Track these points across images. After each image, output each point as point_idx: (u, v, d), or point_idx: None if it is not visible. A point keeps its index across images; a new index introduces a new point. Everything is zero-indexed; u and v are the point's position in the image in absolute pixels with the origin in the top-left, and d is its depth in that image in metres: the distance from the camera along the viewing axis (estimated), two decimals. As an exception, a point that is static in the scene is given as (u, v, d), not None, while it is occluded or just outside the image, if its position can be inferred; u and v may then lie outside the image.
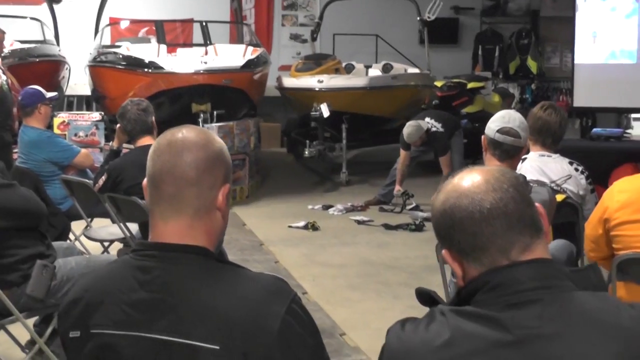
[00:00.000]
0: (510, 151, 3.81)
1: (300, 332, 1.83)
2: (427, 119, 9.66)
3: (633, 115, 14.84)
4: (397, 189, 9.63)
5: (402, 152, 9.71)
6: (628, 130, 10.74)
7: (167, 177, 1.92)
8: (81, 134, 10.06)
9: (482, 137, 3.88)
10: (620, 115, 14.66)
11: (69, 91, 12.53)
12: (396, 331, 1.75)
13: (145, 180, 1.99)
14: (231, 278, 1.86)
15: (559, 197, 4.42)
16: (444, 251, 1.76)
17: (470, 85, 12.49)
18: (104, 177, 5.09)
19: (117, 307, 1.88)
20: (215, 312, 1.80)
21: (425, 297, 1.88)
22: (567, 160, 4.80)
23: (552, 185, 4.59)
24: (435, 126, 9.61)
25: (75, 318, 1.95)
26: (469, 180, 1.74)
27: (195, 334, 1.79)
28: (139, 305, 1.86)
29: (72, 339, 1.94)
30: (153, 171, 1.94)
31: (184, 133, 1.96)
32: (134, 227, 5.40)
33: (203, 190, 1.92)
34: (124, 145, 5.48)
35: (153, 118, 5.10)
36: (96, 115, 10.26)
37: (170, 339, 1.81)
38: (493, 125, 3.85)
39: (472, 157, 12.33)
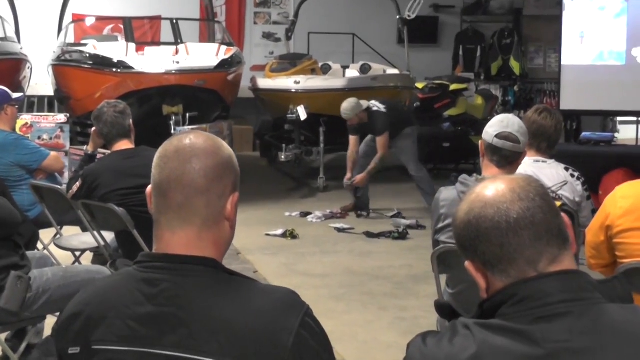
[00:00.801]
0: (509, 157, 3.83)
1: (314, 346, 1.84)
2: (372, 101, 9.67)
3: (619, 119, 15.03)
4: (347, 176, 9.58)
5: (351, 138, 9.67)
6: (615, 135, 10.87)
7: (175, 185, 1.91)
8: (45, 137, 10.03)
9: (480, 142, 3.90)
10: (606, 118, 14.84)
11: (30, 91, 12.44)
12: (418, 345, 1.76)
13: (149, 188, 1.98)
14: (243, 291, 1.87)
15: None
16: (467, 262, 1.77)
17: (453, 87, 12.57)
18: (78, 183, 5.06)
19: (121, 321, 1.88)
20: (228, 326, 1.80)
21: (445, 309, 1.89)
22: (562, 165, 4.85)
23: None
24: (377, 106, 9.55)
25: (74, 333, 1.93)
26: (493, 189, 1.76)
27: (207, 349, 1.80)
28: (146, 320, 1.86)
29: (71, 356, 1.93)
30: (160, 179, 1.94)
31: (192, 139, 1.96)
32: (107, 235, 5.38)
33: (212, 199, 1.93)
34: (99, 149, 5.45)
35: (131, 121, 5.08)
36: (61, 117, 10.22)
37: (180, 354, 1.81)
38: (491, 130, 3.86)
39: (456, 161, 12.46)
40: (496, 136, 3.86)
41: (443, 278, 4.07)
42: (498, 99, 15.13)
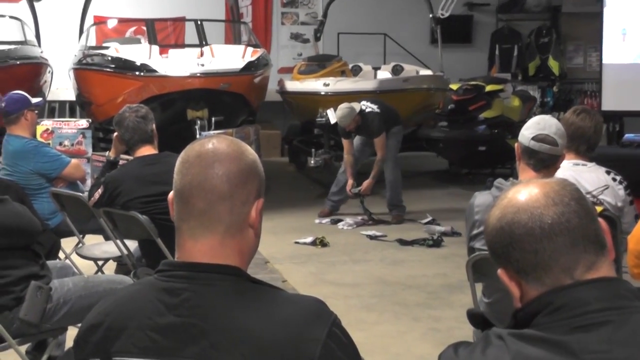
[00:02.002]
0: (546, 160, 3.82)
1: (342, 358, 1.84)
2: (363, 102, 9.74)
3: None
4: (350, 183, 9.65)
5: (344, 142, 9.76)
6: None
7: (197, 191, 1.92)
8: (66, 142, 10.11)
9: (516, 145, 3.89)
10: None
11: (50, 96, 12.54)
12: (449, 356, 1.76)
13: (171, 195, 1.99)
14: (268, 300, 1.88)
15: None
16: (499, 270, 1.77)
17: (489, 88, 12.53)
18: (100, 190, 5.09)
19: (142, 332, 1.89)
20: (252, 336, 1.81)
21: (478, 319, 1.89)
22: (603, 169, 4.82)
23: (588, 196, 4.61)
24: (369, 107, 9.63)
25: (94, 345, 1.95)
26: (526, 193, 1.76)
27: (230, 360, 1.81)
28: (167, 331, 1.87)
29: (91, 367, 1.96)
30: (182, 185, 1.95)
31: (215, 143, 1.97)
32: (130, 244, 5.42)
33: (236, 205, 1.93)
34: (122, 155, 5.49)
35: (153, 126, 5.10)
36: (83, 123, 10.30)
37: (202, 366, 1.83)
38: (527, 132, 3.85)
39: (492, 166, 12.41)
40: (533, 138, 3.84)
41: (479, 287, 4.07)
42: (536, 100, 15.07)
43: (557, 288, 1.69)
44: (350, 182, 9.64)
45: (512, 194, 1.77)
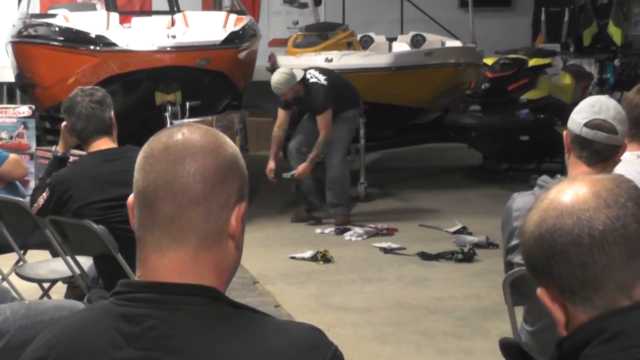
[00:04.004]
0: (602, 152, 3.82)
1: (345, 400, 1.86)
2: (310, 70, 9.94)
3: None
4: (270, 166, 9.82)
5: (279, 112, 10.07)
6: None
7: (164, 193, 1.93)
8: (4, 135, 10.09)
9: (564, 133, 3.90)
10: None
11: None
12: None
13: (130, 198, 2.00)
14: (252, 329, 1.88)
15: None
16: (540, 289, 1.78)
17: (532, 62, 12.52)
18: (45, 194, 5.09)
19: (95, 370, 1.90)
20: (233, 375, 1.82)
21: (513, 351, 1.90)
22: (675, 163, 4.82)
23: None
24: (316, 77, 9.82)
25: (37, 386, 1.97)
26: (572, 193, 1.76)
27: (205, 404, 1.82)
28: (127, 368, 1.88)
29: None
30: (144, 185, 1.95)
31: (186, 134, 1.97)
32: (84, 261, 5.43)
33: (212, 211, 1.94)
34: (72, 150, 5.50)
35: (112, 113, 5.10)
36: (24, 110, 10.27)
37: (171, 412, 1.84)
38: (579, 117, 3.86)
39: (538, 160, 12.41)
40: (585, 125, 3.85)
41: (519, 312, 4.07)
42: (592, 76, 15.05)
43: (612, 311, 1.70)
44: (271, 164, 9.85)
45: (555, 194, 1.78)
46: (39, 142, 10.19)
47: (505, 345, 1.93)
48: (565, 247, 1.72)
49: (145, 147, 2.00)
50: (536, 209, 1.79)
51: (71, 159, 5.48)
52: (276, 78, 9.60)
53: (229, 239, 1.97)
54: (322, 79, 9.82)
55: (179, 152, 1.94)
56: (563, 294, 1.75)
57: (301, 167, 9.77)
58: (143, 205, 1.96)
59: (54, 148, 5.57)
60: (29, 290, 6.48)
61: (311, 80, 9.79)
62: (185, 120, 9.80)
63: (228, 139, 2.03)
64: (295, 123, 10.25)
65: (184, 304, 1.89)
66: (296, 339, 1.88)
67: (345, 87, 10.13)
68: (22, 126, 10.12)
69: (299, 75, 9.69)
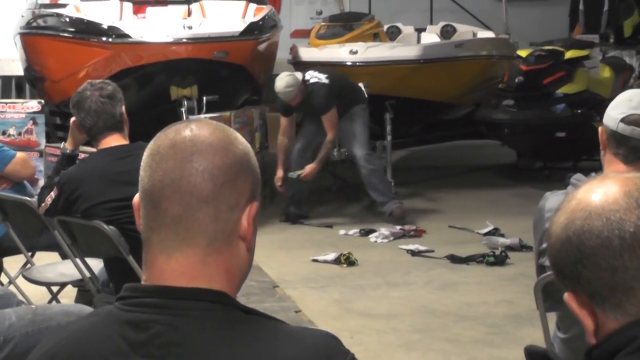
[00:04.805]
0: (641, 150, 3.81)
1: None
2: (308, 72, 10.07)
3: None
4: (279, 174, 9.95)
5: (282, 120, 10.17)
6: None
7: (171, 192, 1.92)
8: (12, 131, 10.13)
9: (600, 129, 3.88)
10: None
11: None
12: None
13: (136, 197, 2.00)
14: (264, 336, 1.88)
15: None
16: (567, 295, 1.77)
17: (569, 54, 12.48)
18: (53, 193, 5.11)
19: (99, 379, 1.90)
20: (243, 383, 1.82)
21: (539, 359, 1.89)
22: None
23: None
24: (316, 77, 9.92)
25: (37, 396, 1.98)
26: (602, 192, 1.75)
27: (213, 415, 1.82)
28: (132, 377, 1.88)
29: None
30: (151, 184, 1.95)
31: (194, 130, 1.97)
32: (95, 264, 5.44)
33: (222, 211, 1.93)
34: (82, 147, 5.51)
35: (123, 108, 5.11)
36: (33, 105, 10.31)
37: (178, 422, 1.84)
38: (615, 112, 3.83)
39: (575, 157, 12.37)
40: (622, 120, 3.83)
41: (552, 318, 4.06)
42: (633, 69, 14.97)
43: (644, 318, 1.69)
44: (279, 173, 9.95)
45: (583, 194, 1.77)
46: (49, 139, 10.22)
47: (531, 354, 1.92)
48: (594, 251, 1.71)
49: (151, 144, 2.00)
50: (563, 210, 1.78)
51: (80, 156, 5.49)
52: (285, 81, 9.65)
53: (240, 240, 1.97)
54: (322, 77, 9.90)
55: (187, 149, 1.94)
56: (592, 300, 1.74)
57: (309, 168, 9.86)
58: (149, 205, 1.96)
59: (62, 145, 5.58)
60: (38, 295, 6.51)
61: (312, 81, 9.87)
62: (202, 116, 9.81)
63: (239, 135, 2.03)
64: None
65: (192, 310, 1.89)
66: (310, 346, 1.88)
67: (347, 85, 10.21)
68: (31, 122, 10.16)
69: (300, 76, 9.81)
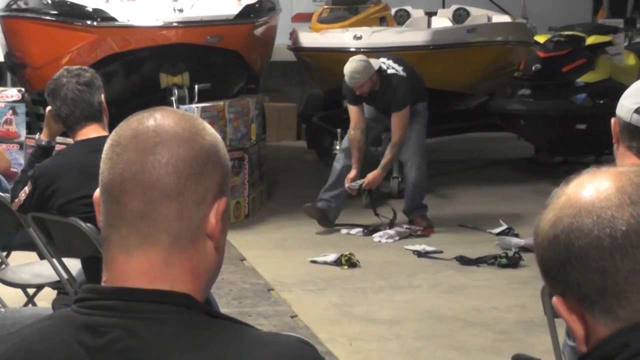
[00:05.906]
0: (656, 142, 3.80)
1: None
2: (382, 59, 9.81)
3: None
4: (352, 175, 9.67)
5: (352, 110, 9.80)
6: None
7: (132, 186, 1.92)
8: (-10, 121, 10.16)
9: (612, 120, 3.88)
10: None
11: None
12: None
13: (96, 192, 2.00)
14: (230, 341, 1.88)
15: None
16: (555, 299, 1.76)
17: (590, 40, 12.47)
18: (27, 189, 5.11)
19: (54, 387, 1.90)
20: (208, 393, 1.82)
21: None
22: None
23: None
24: (393, 67, 9.72)
25: (-11, 405, 1.97)
26: (593, 188, 1.74)
27: None
28: (89, 386, 1.88)
29: None
30: (110, 178, 1.95)
31: (158, 119, 1.97)
32: (74, 264, 5.44)
33: (187, 206, 1.93)
34: (58, 139, 5.51)
35: (102, 97, 5.12)
36: (13, 93, 10.35)
37: None
38: (628, 102, 3.83)
39: (596, 151, 12.36)
40: (637, 111, 3.83)
41: (561, 324, 4.05)
42: (660, 57, 14.99)
43: (637, 324, 1.69)
44: (353, 172, 9.66)
45: (573, 189, 1.76)
46: (30, 130, 10.23)
47: (520, 362, 1.92)
48: (583, 250, 1.70)
49: (112, 134, 2.00)
50: (552, 207, 1.78)
51: (57, 148, 5.49)
52: (353, 66, 9.39)
53: (207, 239, 1.96)
54: (400, 69, 9.69)
55: (150, 140, 1.94)
56: (581, 304, 1.73)
57: (371, 176, 9.64)
58: (109, 201, 1.96)
59: (37, 136, 5.58)
60: (14, 297, 6.51)
61: (389, 71, 9.64)
62: (194, 106, 9.83)
63: (208, 125, 2.02)
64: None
65: (153, 313, 1.88)
66: (280, 353, 1.87)
67: (418, 78, 10.07)
68: (11, 112, 10.20)
69: (376, 65, 9.54)
